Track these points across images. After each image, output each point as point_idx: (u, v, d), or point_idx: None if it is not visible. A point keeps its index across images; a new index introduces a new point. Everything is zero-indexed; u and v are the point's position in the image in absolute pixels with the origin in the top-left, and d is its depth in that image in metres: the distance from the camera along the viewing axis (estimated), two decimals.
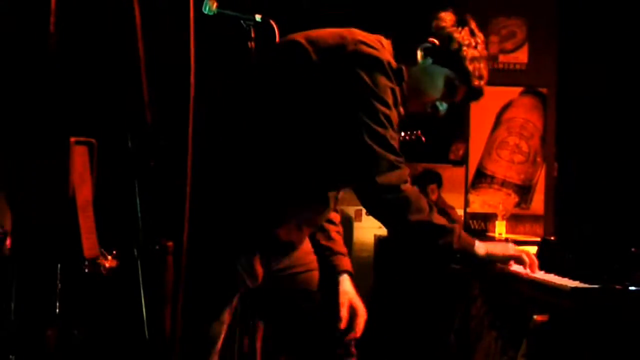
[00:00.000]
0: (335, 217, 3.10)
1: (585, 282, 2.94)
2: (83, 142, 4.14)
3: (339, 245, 3.09)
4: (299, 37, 2.80)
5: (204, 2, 3.31)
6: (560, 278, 3.01)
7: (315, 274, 3.04)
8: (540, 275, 3.02)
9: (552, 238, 4.51)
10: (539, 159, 6.93)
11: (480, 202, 6.99)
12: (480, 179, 6.99)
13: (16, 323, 3.87)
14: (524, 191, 6.93)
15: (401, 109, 2.82)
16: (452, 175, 7.25)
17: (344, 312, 2.99)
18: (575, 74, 6.50)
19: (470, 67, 2.84)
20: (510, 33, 6.85)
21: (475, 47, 2.86)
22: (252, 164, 2.74)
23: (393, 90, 2.71)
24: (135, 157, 4.09)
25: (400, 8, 6.35)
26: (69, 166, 4.02)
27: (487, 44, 2.92)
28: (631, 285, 2.90)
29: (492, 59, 6.73)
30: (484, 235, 6.61)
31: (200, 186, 2.69)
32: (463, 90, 2.88)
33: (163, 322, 3.97)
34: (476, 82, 2.86)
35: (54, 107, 4.15)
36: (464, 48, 2.83)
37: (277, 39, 3.29)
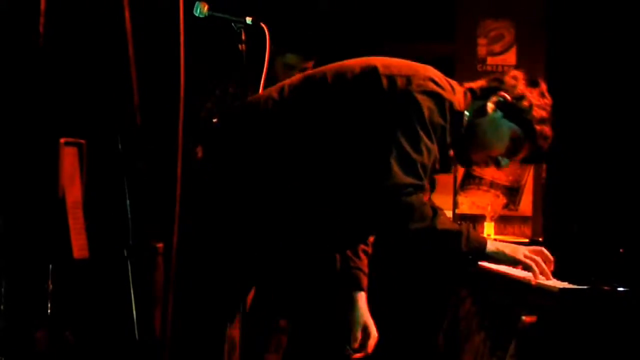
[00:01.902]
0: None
1: (573, 283, 2.95)
2: (73, 143, 4.14)
3: (363, 264, 3.12)
4: (376, 61, 2.86)
5: (195, 5, 3.32)
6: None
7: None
8: (529, 275, 3.04)
9: (541, 239, 4.53)
10: None
11: (468, 203, 6.99)
12: (469, 180, 6.99)
13: (6, 324, 3.87)
14: (512, 192, 6.94)
15: (450, 153, 2.88)
16: (440, 176, 7.26)
17: (358, 333, 3.03)
18: (563, 76, 6.51)
19: (538, 128, 2.90)
20: (498, 35, 6.85)
21: (544, 109, 2.92)
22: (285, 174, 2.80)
23: (443, 129, 2.77)
24: (125, 159, 4.10)
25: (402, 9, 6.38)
26: (58, 167, 4.02)
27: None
28: (619, 286, 2.92)
29: (480, 61, 6.75)
30: None
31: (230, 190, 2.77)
32: (526, 149, 2.94)
33: (153, 322, 3.97)
34: (541, 142, 2.93)
35: (43, 108, 4.15)
36: (535, 107, 2.90)
37: (268, 42, 3.30)
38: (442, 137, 2.77)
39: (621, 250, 3.22)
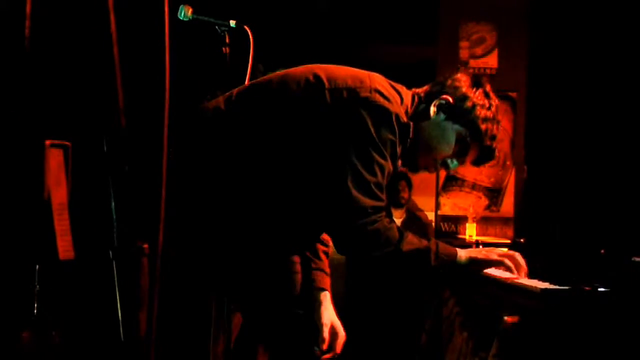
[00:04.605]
0: (327, 238, 3.13)
1: (555, 284, 2.99)
2: (58, 145, 4.14)
3: (325, 264, 3.13)
4: (321, 72, 2.81)
5: (180, 8, 3.33)
6: (530, 279, 3.05)
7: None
8: (512, 276, 3.06)
9: (522, 240, 4.56)
10: (508, 163, 6.99)
11: (451, 204, 7.04)
12: (451, 182, 7.04)
13: None
14: (494, 194, 6.99)
15: (399, 163, 2.86)
16: (423, 178, 7.30)
17: (326, 334, 3.04)
18: (544, 79, 6.56)
19: (483, 127, 2.88)
20: (480, 38, 6.90)
21: (489, 109, 2.90)
22: (243, 182, 2.77)
23: (393, 143, 2.72)
24: (110, 160, 4.11)
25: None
26: (44, 169, 4.02)
27: (496, 108, 2.96)
28: (600, 287, 2.95)
29: (462, 64, 6.80)
30: (454, 238, 6.66)
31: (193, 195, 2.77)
32: (475, 150, 2.93)
33: (138, 323, 3.98)
34: (488, 142, 2.92)
35: (29, 110, 4.16)
36: (478, 107, 2.87)
37: (252, 45, 3.31)
38: (393, 150, 2.74)
39: (602, 251, 3.26)
